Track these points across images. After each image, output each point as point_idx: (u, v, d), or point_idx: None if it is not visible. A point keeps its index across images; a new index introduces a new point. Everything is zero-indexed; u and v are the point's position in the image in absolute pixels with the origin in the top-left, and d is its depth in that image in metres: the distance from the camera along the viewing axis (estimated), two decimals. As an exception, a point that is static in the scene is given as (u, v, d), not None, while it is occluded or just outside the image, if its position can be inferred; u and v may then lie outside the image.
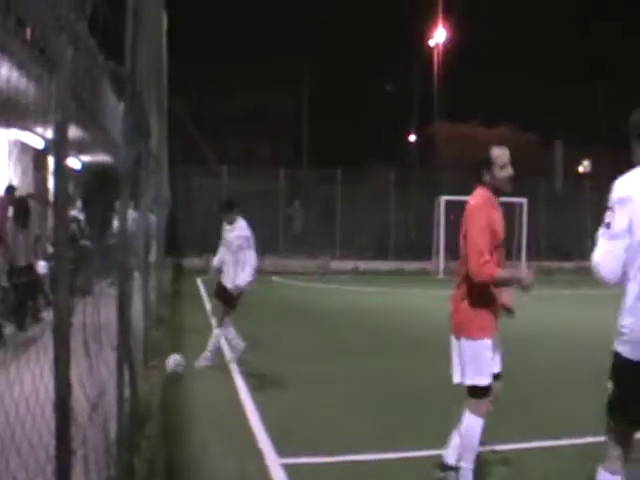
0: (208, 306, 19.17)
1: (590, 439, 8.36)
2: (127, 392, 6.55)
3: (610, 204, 4.96)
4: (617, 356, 4.80)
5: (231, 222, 12.61)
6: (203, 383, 10.52)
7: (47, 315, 13.60)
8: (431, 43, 55.50)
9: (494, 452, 7.65)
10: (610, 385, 4.92)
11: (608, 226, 4.95)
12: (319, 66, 50.26)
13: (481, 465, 7.42)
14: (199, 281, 26.37)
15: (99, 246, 8.97)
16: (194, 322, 16.13)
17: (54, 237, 3.49)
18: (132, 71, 6.78)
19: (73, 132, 3.76)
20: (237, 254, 12.17)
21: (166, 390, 9.96)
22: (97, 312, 5.08)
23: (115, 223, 6.89)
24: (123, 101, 6.54)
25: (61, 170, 3.46)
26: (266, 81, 46.79)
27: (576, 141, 51.00)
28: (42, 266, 15.52)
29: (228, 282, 11.99)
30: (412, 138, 60.05)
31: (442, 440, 7.69)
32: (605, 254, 5.00)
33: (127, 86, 6.55)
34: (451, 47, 54.86)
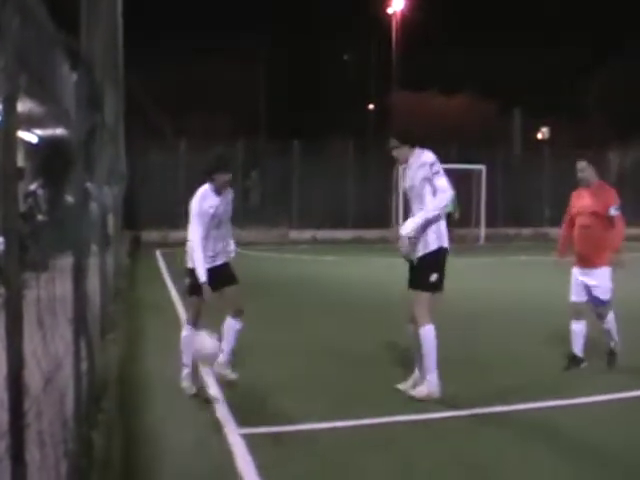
0: (167, 279, 19.14)
1: (545, 403, 8.51)
2: (84, 366, 6.52)
3: None
4: None
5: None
6: (160, 357, 10.48)
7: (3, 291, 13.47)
8: (389, 11, 55.47)
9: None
10: None
11: None
12: (277, 36, 50.09)
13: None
14: (158, 254, 26.29)
15: (55, 220, 8.87)
16: (152, 295, 16.08)
17: (4, 210, 3.44)
18: (86, 42, 6.71)
19: (25, 105, 3.71)
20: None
21: (122, 364, 9.93)
22: (53, 286, 5.04)
23: (69, 196, 6.83)
24: (76, 72, 6.46)
25: (9, 142, 3.41)
26: (223, 54, 46.48)
27: (535, 108, 51.21)
28: (-1, 241, 15.38)
29: None
30: (370, 107, 60.03)
31: (396, 406, 7.78)
32: None
33: (80, 57, 6.47)
34: (409, 15, 54.87)
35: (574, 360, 10.06)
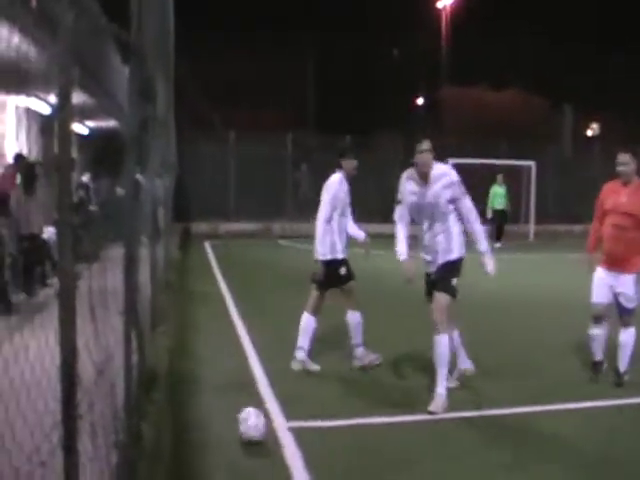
0: (217, 270, 19.21)
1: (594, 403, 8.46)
2: (135, 358, 6.56)
3: None
4: None
5: None
6: (212, 350, 10.52)
7: (56, 281, 13.61)
8: (439, 5, 55.25)
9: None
10: None
11: None
12: (325, 32, 50.00)
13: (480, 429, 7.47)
14: (207, 246, 26.41)
15: (107, 211, 8.96)
16: (201, 287, 16.16)
17: (58, 202, 3.46)
18: (137, 33, 6.73)
19: (79, 97, 3.73)
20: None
21: (172, 356, 9.98)
22: (105, 277, 5.07)
23: (120, 188, 6.87)
24: (128, 65, 6.50)
25: (64, 134, 3.43)
26: (273, 47, 46.55)
27: (585, 105, 50.78)
28: (49, 232, 15.54)
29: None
30: (420, 102, 59.86)
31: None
32: None
33: (132, 49, 6.50)
34: (458, 9, 54.60)
35: (595, 367, 9.52)
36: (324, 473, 6.13)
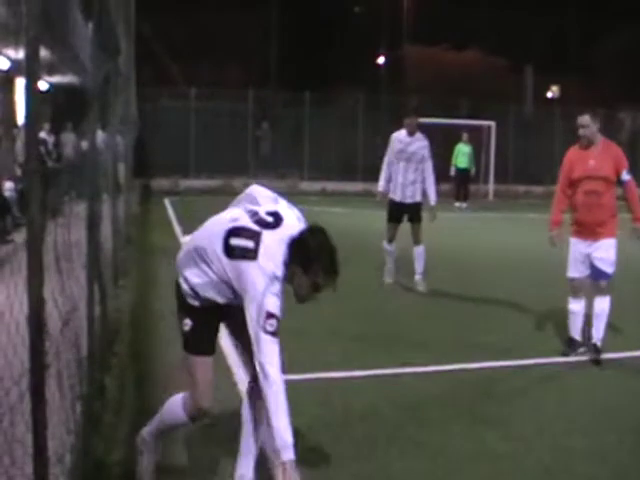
0: (176, 226, 19.22)
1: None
2: (97, 310, 6.61)
3: None
4: None
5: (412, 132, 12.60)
6: (171, 302, 10.54)
7: (16, 237, 13.57)
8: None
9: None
10: None
11: None
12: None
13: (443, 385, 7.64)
14: (167, 202, 26.34)
15: (67, 166, 8.95)
16: (162, 242, 16.16)
17: (25, 153, 3.50)
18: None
19: (42, 52, 3.75)
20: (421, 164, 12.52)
21: (134, 309, 10.03)
22: (68, 231, 5.12)
23: (83, 143, 6.89)
24: (91, 20, 6.49)
25: (32, 88, 3.46)
26: (234, 2, 46.15)
27: (545, 66, 50.86)
28: (8, 187, 15.45)
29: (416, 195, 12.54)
30: (381, 61, 59.71)
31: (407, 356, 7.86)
32: None
33: (96, 4, 6.50)
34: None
35: (571, 344, 9.00)
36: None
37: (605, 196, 8.56)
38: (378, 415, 6.68)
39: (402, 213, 12.43)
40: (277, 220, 4.67)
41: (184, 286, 4.78)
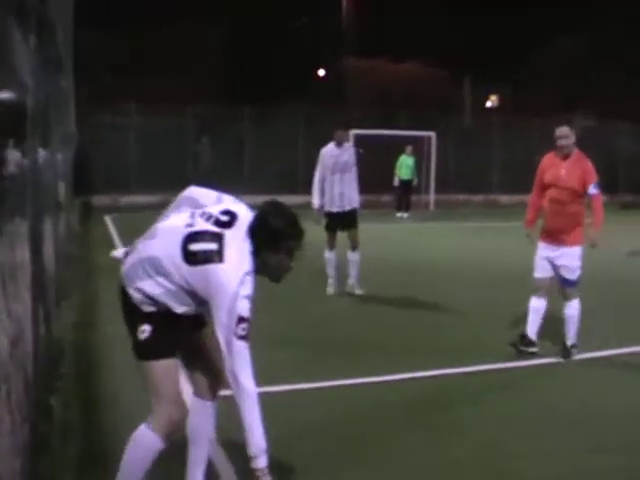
0: (118, 243, 19.05)
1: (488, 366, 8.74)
2: (42, 332, 6.52)
3: None
4: None
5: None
6: (115, 322, 10.43)
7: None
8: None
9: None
10: None
11: None
12: (229, 3, 49.49)
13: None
14: (108, 219, 26.11)
15: (10, 185, 8.79)
16: (103, 260, 15.98)
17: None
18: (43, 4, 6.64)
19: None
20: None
21: (78, 330, 9.91)
22: (12, 251, 5.04)
23: (24, 162, 6.79)
24: (32, 35, 6.40)
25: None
26: (175, 18, 45.97)
27: (484, 77, 51.33)
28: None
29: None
30: (321, 73, 59.85)
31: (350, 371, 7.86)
32: None
33: (40, 20, 6.41)
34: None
35: (523, 340, 9.26)
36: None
37: (570, 206, 8.93)
38: (329, 427, 6.69)
39: (340, 221, 12.85)
40: (233, 217, 4.64)
41: (137, 296, 4.59)
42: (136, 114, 34.06)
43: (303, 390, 7.78)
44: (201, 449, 5.05)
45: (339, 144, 12.96)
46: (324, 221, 12.95)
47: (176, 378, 4.71)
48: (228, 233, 4.52)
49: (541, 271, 9.22)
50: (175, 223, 4.70)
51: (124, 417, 6.70)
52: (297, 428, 6.61)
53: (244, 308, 4.38)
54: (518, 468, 5.97)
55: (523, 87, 52.59)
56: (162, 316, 4.61)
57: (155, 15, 45.18)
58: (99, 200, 31.21)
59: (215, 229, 4.53)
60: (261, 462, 4.40)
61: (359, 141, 31.29)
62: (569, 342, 9.21)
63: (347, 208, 12.85)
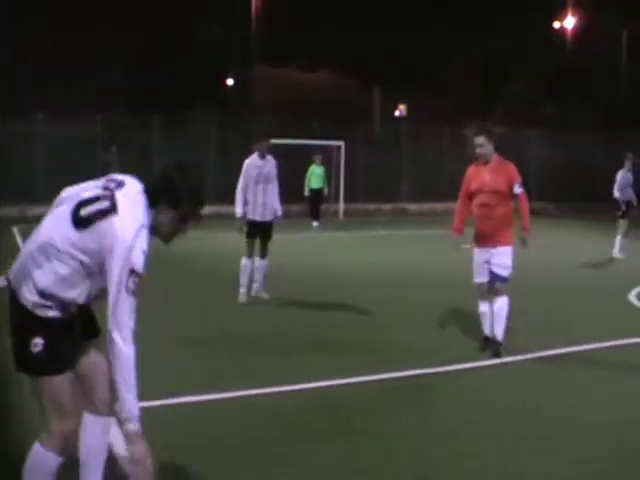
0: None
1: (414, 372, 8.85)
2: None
3: None
4: None
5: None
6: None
7: None
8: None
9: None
10: None
11: None
12: (138, 9, 49.12)
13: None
14: (15, 230, 25.66)
15: None
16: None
17: None
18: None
19: None
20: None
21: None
22: None
23: None
24: None
25: None
26: (86, 22, 45.43)
27: (393, 86, 51.75)
28: None
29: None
30: (230, 82, 59.76)
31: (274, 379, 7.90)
32: None
33: None
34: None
35: (486, 341, 9.83)
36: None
37: (497, 208, 9.48)
38: (249, 437, 6.68)
39: (260, 230, 13.19)
40: (121, 182, 4.58)
41: (31, 298, 4.34)
42: (43, 123, 33.58)
43: (222, 399, 7.74)
44: (95, 472, 4.75)
45: (262, 156, 13.34)
46: (245, 229, 13.28)
47: (72, 391, 4.55)
48: (119, 192, 4.45)
49: (481, 276, 9.72)
50: (59, 210, 4.56)
51: (16, 439, 6.60)
52: (218, 438, 6.63)
53: (138, 261, 4.28)
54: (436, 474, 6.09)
55: (431, 96, 53.19)
56: (58, 324, 4.42)
57: (59, 20, 44.59)
58: (6, 211, 30.64)
59: (105, 192, 4.45)
60: (132, 427, 4.25)
61: (269, 150, 31.35)
62: (499, 337, 9.66)
63: (267, 218, 13.28)
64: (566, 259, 19.55)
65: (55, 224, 4.44)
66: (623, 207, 20.27)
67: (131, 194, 4.47)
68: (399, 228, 29.52)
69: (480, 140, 9.53)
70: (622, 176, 20.37)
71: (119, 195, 4.43)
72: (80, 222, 4.35)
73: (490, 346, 9.74)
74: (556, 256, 19.95)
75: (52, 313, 4.40)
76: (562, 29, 54.01)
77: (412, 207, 38.14)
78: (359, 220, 33.35)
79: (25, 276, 4.39)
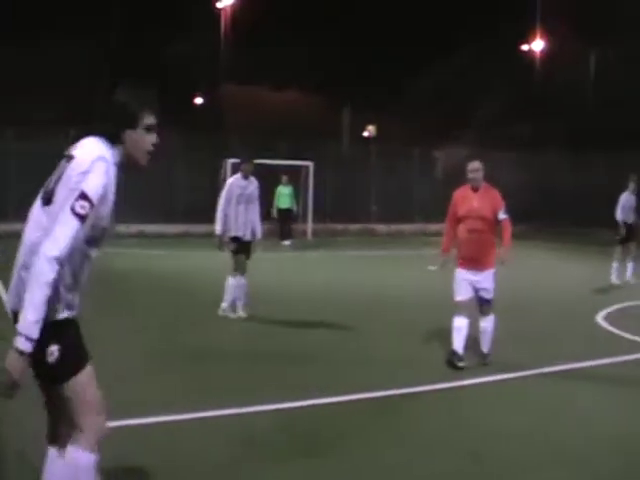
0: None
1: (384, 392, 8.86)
2: None
3: None
4: None
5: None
6: None
7: None
8: (219, 5, 55.28)
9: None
10: None
11: None
12: (103, 25, 49.06)
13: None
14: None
15: None
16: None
17: None
18: None
19: None
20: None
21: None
22: None
23: None
24: None
25: None
26: (56, 39, 45.24)
27: (363, 106, 51.89)
28: None
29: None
30: (199, 101, 59.75)
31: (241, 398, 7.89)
32: None
33: None
34: (240, 10, 54.78)
35: (455, 356, 10.00)
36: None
37: (485, 233, 9.88)
38: (205, 458, 6.62)
39: (242, 248, 13.43)
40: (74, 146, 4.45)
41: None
42: (13, 139, 33.35)
43: (178, 421, 7.63)
44: None
45: (246, 177, 13.70)
46: (232, 246, 13.46)
47: (95, 383, 4.45)
48: (74, 150, 4.34)
49: (463, 294, 10.07)
50: (31, 215, 4.40)
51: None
52: (174, 460, 6.59)
53: (91, 187, 4.11)
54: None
55: (401, 117, 53.41)
56: (63, 323, 4.25)
57: (23, 34, 44.41)
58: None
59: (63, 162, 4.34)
60: (22, 344, 3.91)
61: (236, 170, 31.26)
62: (486, 350, 10.27)
63: (247, 238, 13.53)
64: (533, 280, 19.72)
65: (32, 226, 4.29)
66: (623, 231, 19.70)
67: (87, 145, 4.36)
68: (368, 248, 29.62)
69: (476, 165, 9.90)
70: (626, 198, 19.80)
71: (75, 151, 4.33)
72: (47, 198, 4.25)
73: (479, 358, 10.32)
74: (525, 277, 20.04)
75: (68, 313, 4.28)
76: (530, 52, 54.34)
77: (380, 228, 38.17)
78: (327, 240, 33.32)
79: (25, 289, 4.09)
